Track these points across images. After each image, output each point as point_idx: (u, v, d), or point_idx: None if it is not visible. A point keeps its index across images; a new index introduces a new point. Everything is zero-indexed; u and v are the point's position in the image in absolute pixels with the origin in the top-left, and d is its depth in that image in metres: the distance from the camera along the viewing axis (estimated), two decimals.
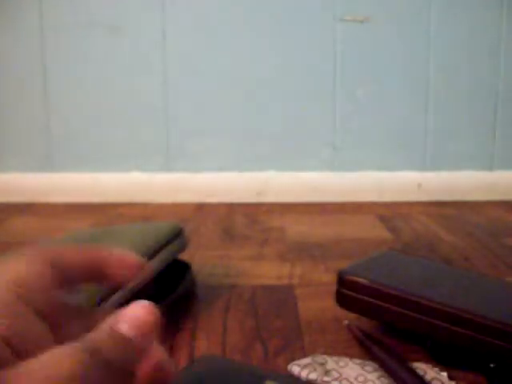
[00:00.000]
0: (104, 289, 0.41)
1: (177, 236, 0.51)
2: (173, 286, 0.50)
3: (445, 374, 0.36)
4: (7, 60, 1.02)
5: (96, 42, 1.01)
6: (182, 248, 0.52)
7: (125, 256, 0.27)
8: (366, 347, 0.39)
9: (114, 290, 0.41)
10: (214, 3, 1.01)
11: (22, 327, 0.20)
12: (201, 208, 0.98)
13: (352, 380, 0.34)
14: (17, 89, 1.03)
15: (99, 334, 0.20)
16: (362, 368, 0.36)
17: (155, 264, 0.47)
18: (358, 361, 0.37)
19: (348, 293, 0.43)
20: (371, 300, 0.41)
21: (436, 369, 0.37)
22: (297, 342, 0.43)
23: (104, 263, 0.26)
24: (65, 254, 0.25)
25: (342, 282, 0.43)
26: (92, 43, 1.01)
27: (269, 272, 0.61)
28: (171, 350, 0.42)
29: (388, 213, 0.92)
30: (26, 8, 1.00)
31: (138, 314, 0.21)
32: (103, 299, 0.40)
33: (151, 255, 0.47)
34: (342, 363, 0.36)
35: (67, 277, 0.24)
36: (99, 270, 0.26)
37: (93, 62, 1.02)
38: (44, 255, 0.24)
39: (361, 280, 0.42)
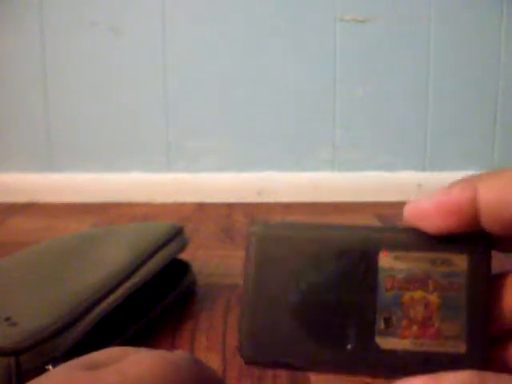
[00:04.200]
0: (100, 290, 0.41)
1: (177, 236, 0.51)
2: (173, 286, 0.50)
3: None
4: (7, 60, 1.02)
5: (96, 43, 1.01)
6: (182, 248, 0.52)
7: None
8: None
9: (111, 291, 0.41)
10: (214, 4, 1.01)
11: None
12: (201, 208, 0.98)
13: None
14: (17, 89, 1.03)
15: None
16: None
17: (155, 263, 0.47)
18: None
19: None
20: None
21: None
22: None
23: None
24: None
25: None
26: (92, 44, 1.01)
27: None
28: (171, 350, 0.42)
29: (388, 213, 0.92)
30: (26, 9, 1.00)
31: None
32: (99, 301, 0.40)
33: (150, 255, 0.47)
34: None
35: None
36: None
37: (93, 63, 1.02)
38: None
39: None
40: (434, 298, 0.19)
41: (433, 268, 0.19)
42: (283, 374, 0.39)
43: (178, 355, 0.21)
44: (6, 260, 0.46)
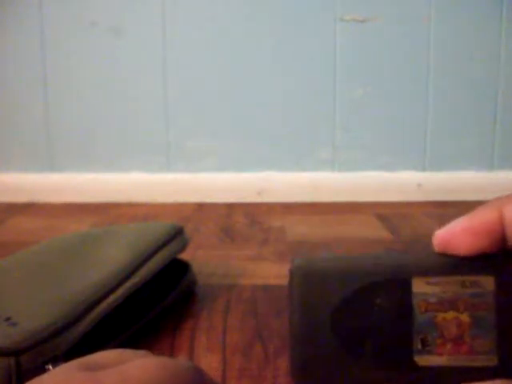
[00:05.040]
0: (100, 290, 0.41)
1: (176, 236, 0.51)
2: (173, 286, 0.50)
3: None
4: (7, 60, 1.02)
5: (96, 43, 1.01)
6: (182, 248, 0.52)
7: None
8: None
9: (111, 291, 0.41)
10: (214, 4, 1.01)
11: None
12: (201, 208, 0.98)
13: None
14: (17, 89, 1.03)
15: None
16: None
17: (155, 263, 0.47)
18: None
19: None
20: None
21: None
22: None
23: None
24: None
25: None
26: (92, 44, 1.01)
27: (269, 272, 0.61)
28: (171, 349, 0.43)
29: (388, 213, 0.92)
30: (26, 9, 1.00)
31: None
32: (99, 301, 0.40)
33: (150, 255, 0.47)
34: None
35: None
36: None
37: (93, 63, 1.02)
38: None
39: None
40: (464, 318, 0.21)
41: (462, 290, 0.21)
42: (282, 374, 0.39)
43: (179, 362, 0.21)
44: (6, 260, 0.46)
